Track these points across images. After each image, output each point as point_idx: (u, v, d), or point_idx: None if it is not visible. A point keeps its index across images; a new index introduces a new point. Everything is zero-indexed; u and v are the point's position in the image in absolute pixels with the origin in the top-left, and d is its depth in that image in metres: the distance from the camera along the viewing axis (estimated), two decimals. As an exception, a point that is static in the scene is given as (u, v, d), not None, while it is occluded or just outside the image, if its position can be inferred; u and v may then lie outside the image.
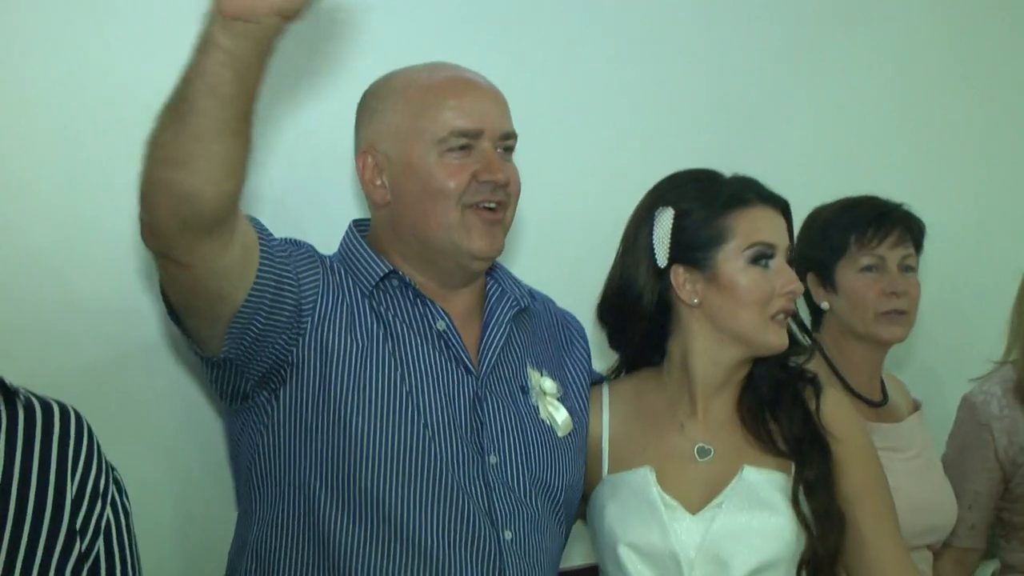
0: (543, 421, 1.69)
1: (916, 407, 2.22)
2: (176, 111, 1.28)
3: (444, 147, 1.61)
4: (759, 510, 1.68)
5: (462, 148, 1.61)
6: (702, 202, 1.73)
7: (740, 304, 1.70)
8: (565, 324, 1.84)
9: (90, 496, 1.42)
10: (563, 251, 2.12)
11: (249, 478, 1.62)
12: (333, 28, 1.91)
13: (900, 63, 2.59)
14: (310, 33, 1.83)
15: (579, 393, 1.78)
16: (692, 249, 1.72)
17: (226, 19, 1.23)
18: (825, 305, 2.15)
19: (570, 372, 1.79)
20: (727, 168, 1.78)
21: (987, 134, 2.71)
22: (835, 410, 1.78)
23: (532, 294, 1.79)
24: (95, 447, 1.44)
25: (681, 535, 1.66)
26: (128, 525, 1.47)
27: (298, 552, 1.57)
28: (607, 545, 1.70)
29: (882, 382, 2.18)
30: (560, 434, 1.70)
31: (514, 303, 1.72)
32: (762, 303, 1.70)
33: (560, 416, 1.71)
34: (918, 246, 2.13)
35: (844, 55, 2.52)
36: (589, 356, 1.85)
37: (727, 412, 1.77)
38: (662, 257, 1.74)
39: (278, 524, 1.58)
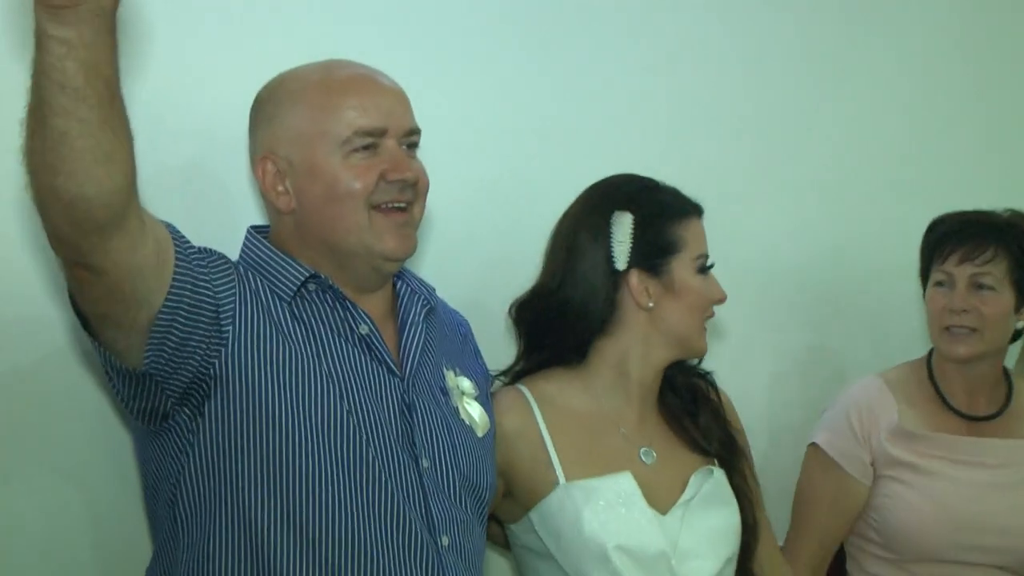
0: (463, 421, 1.68)
1: None
2: (36, 115, 1.21)
3: (348, 148, 1.57)
4: (719, 507, 1.81)
5: (367, 148, 1.58)
6: (658, 210, 1.81)
7: (690, 309, 1.81)
8: (459, 322, 1.84)
9: None
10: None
11: (173, 505, 1.54)
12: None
13: (917, 69, 2.60)
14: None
15: (484, 391, 1.78)
16: (651, 255, 1.79)
17: (51, 8, 1.14)
18: None
19: (474, 370, 1.78)
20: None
21: (1008, 138, 2.72)
22: (728, 401, 1.97)
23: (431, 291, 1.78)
24: None
25: (664, 535, 1.72)
26: None
27: (236, 574, 1.50)
28: (591, 551, 1.70)
29: (1009, 394, 2.18)
30: (480, 434, 1.70)
31: (424, 302, 1.71)
32: (704, 309, 1.82)
33: (477, 415, 1.70)
34: (1015, 262, 2.09)
35: (856, 61, 2.53)
36: (480, 352, 1.86)
37: (656, 414, 1.86)
38: (621, 260, 1.78)
39: (212, 549, 1.50)
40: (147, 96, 1.64)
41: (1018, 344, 2.27)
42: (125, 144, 1.25)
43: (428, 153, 1.66)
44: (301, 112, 1.59)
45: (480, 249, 2.08)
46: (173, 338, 1.42)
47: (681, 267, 1.79)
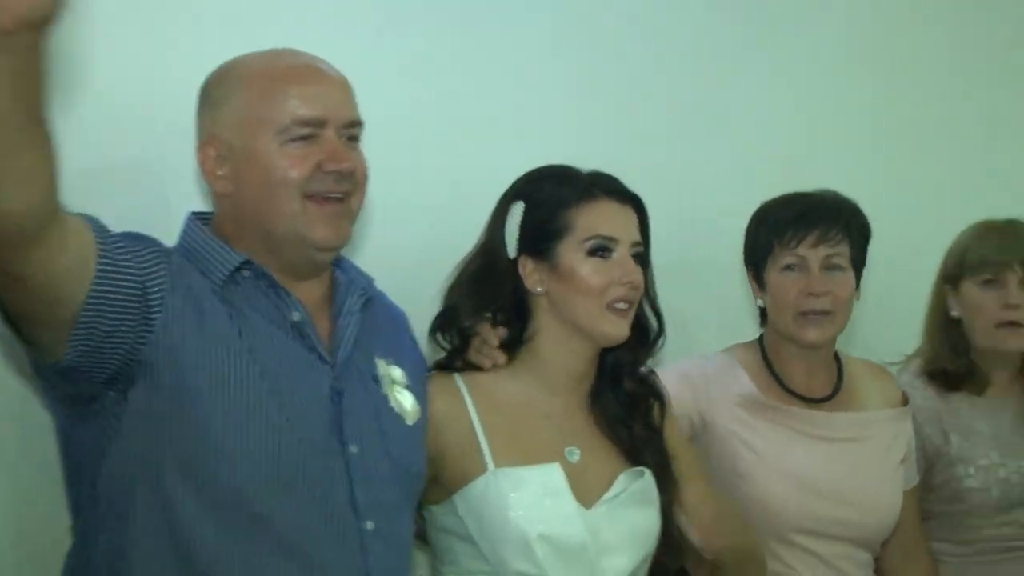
0: (393, 410, 1.70)
1: (903, 401, 2.24)
2: None
3: (286, 136, 1.58)
4: (641, 507, 1.82)
5: (305, 138, 1.59)
6: (549, 196, 1.82)
7: (578, 293, 1.79)
8: (396, 314, 1.85)
9: None
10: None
11: (93, 487, 1.54)
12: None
13: (844, 60, 2.67)
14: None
15: (418, 380, 1.79)
16: (537, 241, 1.81)
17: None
18: (760, 303, 2.17)
19: (408, 360, 1.79)
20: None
21: (941, 130, 2.78)
22: (672, 434, 1.93)
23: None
24: None
25: (586, 528, 1.74)
26: None
27: (157, 559, 1.50)
28: (513, 539, 1.72)
29: (840, 373, 2.19)
30: (409, 422, 1.71)
31: (362, 292, 1.72)
32: (598, 292, 1.78)
33: (408, 403, 1.72)
34: (853, 242, 2.11)
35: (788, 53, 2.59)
36: (418, 345, 1.87)
37: (587, 410, 1.87)
38: (512, 248, 1.83)
39: (132, 532, 1.51)
40: (100, 87, 1.71)
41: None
42: (47, 164, 1.26)
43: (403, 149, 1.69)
44: (244, 99, 1.60)
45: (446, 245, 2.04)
46: (98, 331, 1.43)
47: (568, 251, 1.79)
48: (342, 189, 1.61)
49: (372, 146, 1.68)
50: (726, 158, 2.50)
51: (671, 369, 2.11)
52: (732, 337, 2.25)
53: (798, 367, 2.15)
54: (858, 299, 2.16)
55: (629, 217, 1.84)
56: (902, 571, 2.22)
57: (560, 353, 1.83)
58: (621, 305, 1.80)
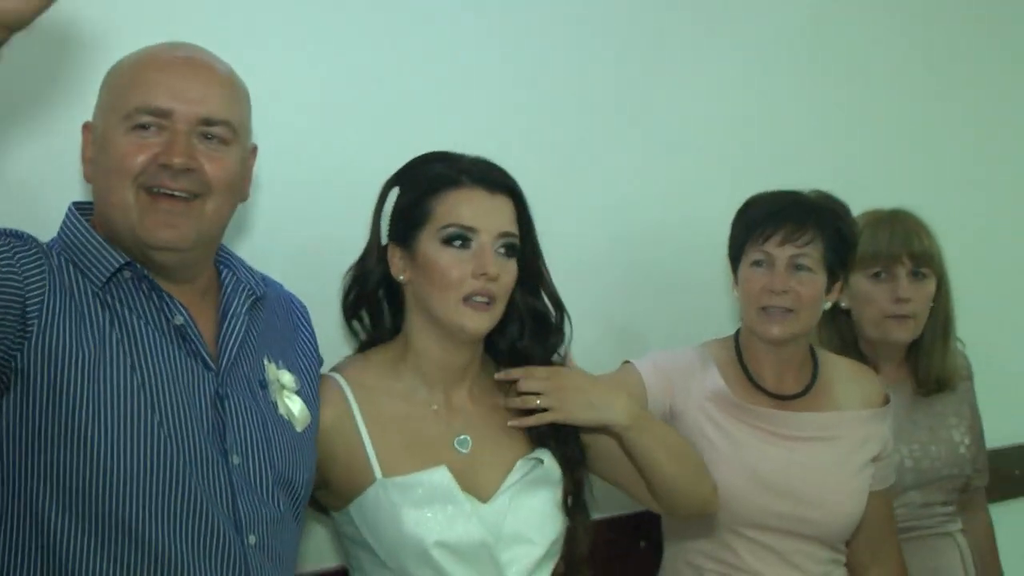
0: (282, 416, 1.65)
1: (884, 402, 2.23)
2: None
3: (130, 123, 1.53)
4: (541, 489, 1.78)
5: (146, 127, 1.53)
6: (417, 182, 1.77)
7: (433, 285, 1.74)
8: (292, 308, 1.80)
9: None
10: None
11: None
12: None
13: (766, 61, 2.67)
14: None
15: (310, 381, 1.74)
16: (402, 228, 1.77)
17: None
18: (735, 295, 2.18)
19: (301, 359, 1.74)
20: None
21: (854, 127, 2.82)
22: None
23: (264, 280, 1.74)
24: None
25: (484, 524, 1.70)
26: None
27: (25, 571, 1.47)
28: (410, 548, 1.69)
29: (815, 372, 2.19)
30: (299, 428, 1.67)
31: (250, 292, 1.67)
32: (452, 285, 1.71)
33: (297, 409, 1.67)
34: (828, 245, 2.10)
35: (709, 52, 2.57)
36: (315, 339, 1.81)
37: (474, 396, 1.83)
38: (384, 234, 1.79)
39: (3, 546, 1.48)
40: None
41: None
42: None
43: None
44: (113, 84, 1.57)
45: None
46: None
47: (426, 239, 1.73)
48: (180, 187, 1.53)
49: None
50: (661, 151, 2.51)
51: (647, 358, 2.13)
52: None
53: (768, 363, 2.15)
54: (833, 301, 2.17)
55: (497, 207, 1.75)
56: (870, 570, 2.23)
57: (430, 346, 1.78)
58: (479, 299, 1.73)
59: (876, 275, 2.37)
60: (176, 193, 1.53)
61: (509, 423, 1.81)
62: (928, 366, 2.42)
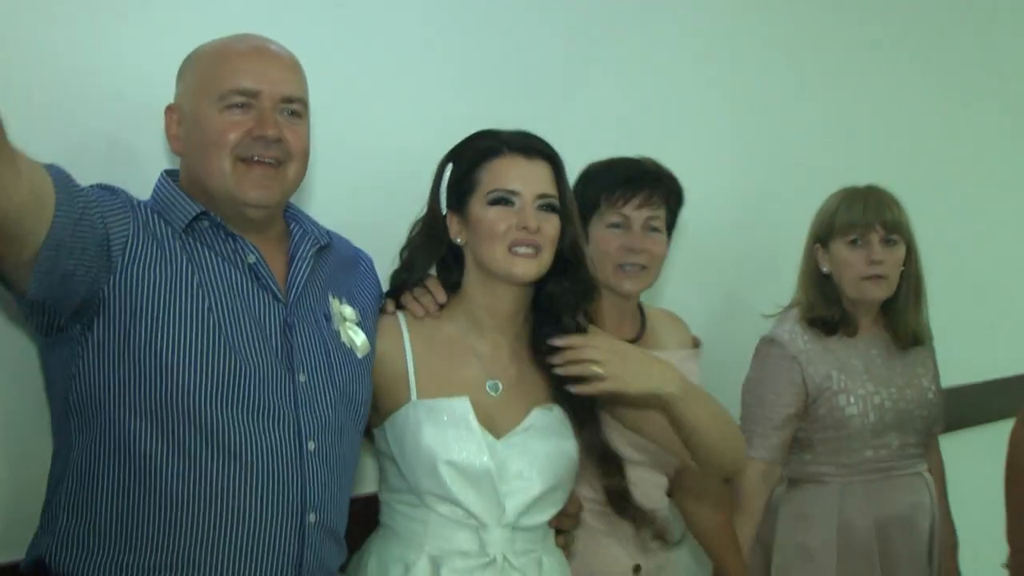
0: (343, 344, 1.90)
1: (695, 344, 2.52)
2: None
3: (224, 103, 1.77)
4: (552, 438, 2.00)
5: (240, 106, 1.78)
6: (468, 157, 2.01)
7: (483, 239, 1.96)
8: (358, 259, 2.05)
9: None
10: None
11: (65, 408, 1.72)
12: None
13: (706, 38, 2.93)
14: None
15: (372, 317, 1.99)
16: (456, 197, 2.01)
17: None
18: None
19: (364, 299, 1.99)
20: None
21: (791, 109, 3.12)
22: None
23: (329, 234, 1.98)
24: None
25: (492, 456, 1.92)
26: None
27: (116, 477, 1.69)
28: (423, 462, 1.92)
29: (642, 319, 2.45)
30: (359, 355, 1.92)
31: (315, 241, 1.92)
32: (499, 236, 1.94)
33: (359, 339, 1.92)
34: (670, 208, 2.37)
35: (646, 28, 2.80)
36: (379, 285, 2.07)
37: (514, 349, 2.04)
38: (443, 205, 2.03)
39: (95, 452, 1.70)
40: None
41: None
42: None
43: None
44: (197, 72, 1.82)
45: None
46: (60, 271, 1.60)
47: (476, 204, 1.96)
48: (271, 155, 1.78)
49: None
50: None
51: None
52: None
53: (610, 314, 2.28)
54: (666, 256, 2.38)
55: (536, 171, 1.96)
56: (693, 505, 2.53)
57: (484, 295, 2.00)
58: (521, 249, 1.93)
59: (853, 242, 2.65)
60: (267, 160, 1.79)
61: (574, 389, 1.95)
62: (904, 323, 2.71)
